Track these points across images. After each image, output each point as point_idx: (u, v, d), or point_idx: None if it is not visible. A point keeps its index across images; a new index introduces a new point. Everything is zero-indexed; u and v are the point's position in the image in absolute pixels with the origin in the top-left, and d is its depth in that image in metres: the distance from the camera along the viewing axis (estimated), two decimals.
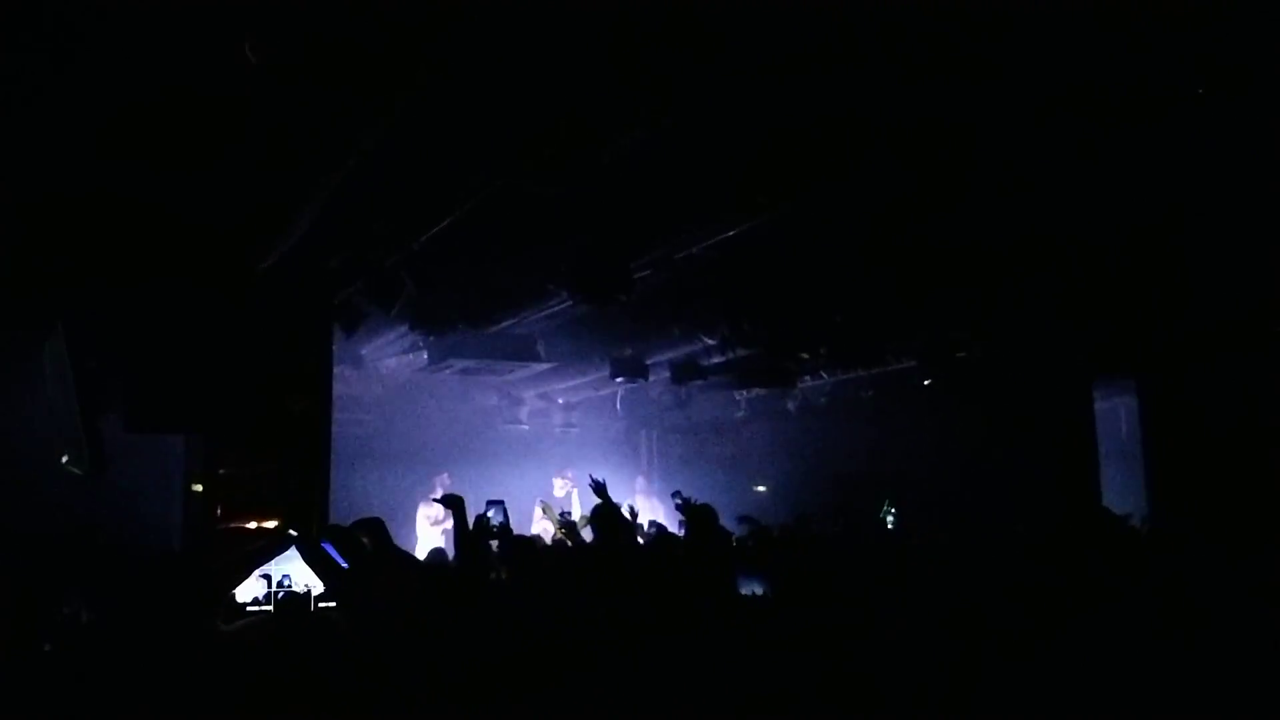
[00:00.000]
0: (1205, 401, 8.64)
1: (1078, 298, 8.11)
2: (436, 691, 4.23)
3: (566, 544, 7.81)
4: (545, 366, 11.65)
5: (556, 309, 8.94)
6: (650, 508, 13.35)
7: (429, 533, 11.55)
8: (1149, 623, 4.60)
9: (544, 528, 11.05)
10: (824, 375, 12.31)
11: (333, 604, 5.76)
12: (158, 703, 3.76)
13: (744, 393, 13.61)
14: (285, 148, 5.39)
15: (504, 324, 9.75)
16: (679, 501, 7.01)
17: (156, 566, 4.90)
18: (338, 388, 8.44)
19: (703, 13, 4.19)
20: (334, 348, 8.45)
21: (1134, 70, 4.59)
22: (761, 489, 14.25)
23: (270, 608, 5.95)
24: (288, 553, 5.97)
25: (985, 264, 7.41)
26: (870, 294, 8.66)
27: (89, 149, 5.43)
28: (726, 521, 7.01)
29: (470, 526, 5.60)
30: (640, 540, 7.75)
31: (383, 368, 12.01)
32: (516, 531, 6.55)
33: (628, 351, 11.44)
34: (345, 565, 5.17)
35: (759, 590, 5.51)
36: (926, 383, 11.75)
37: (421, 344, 10.70)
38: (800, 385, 12.89)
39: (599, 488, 6.75)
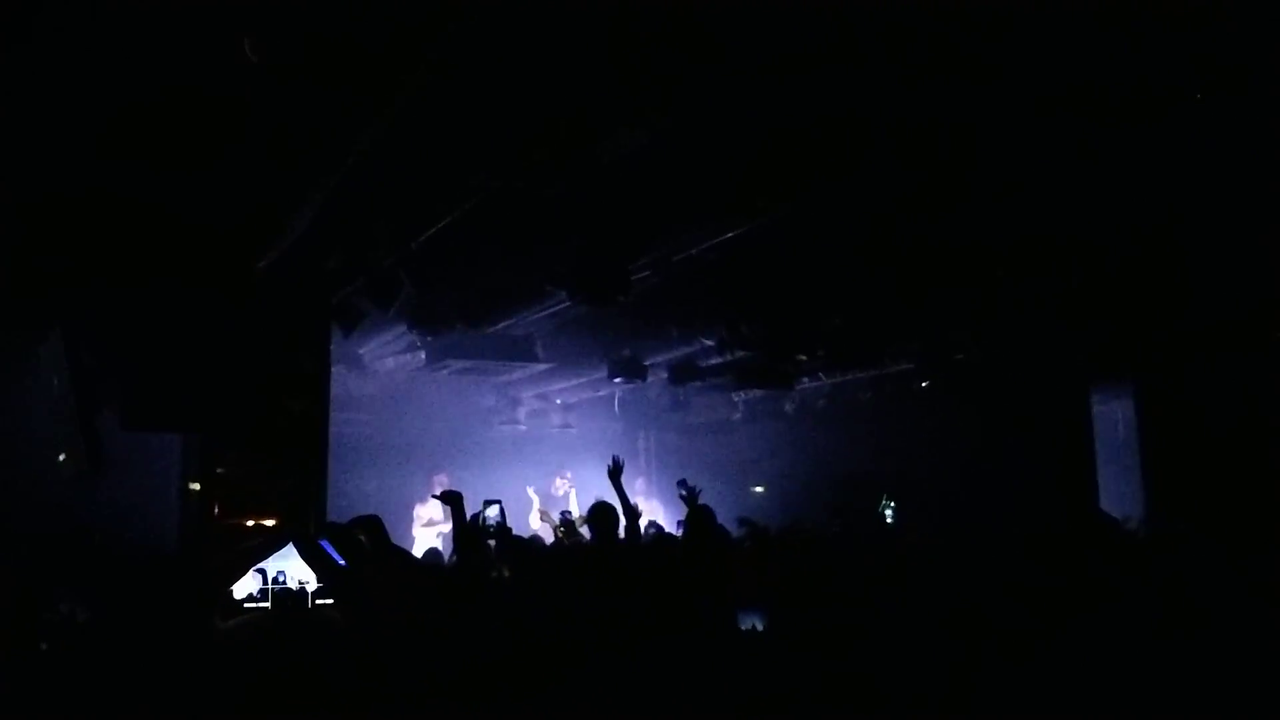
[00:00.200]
0: (1203, 402, 8.64)
1: (1076, 299, 8.11)
2: (434, 689, 4.23)
3: (565, 543, 7.81)
4: (543, 367, 11.65)
5: (555, 309, 8.93)
6: (649, 509, 13.34)
7: (422, 534, 11.52)
8: (1148, 623, 4.60)
9: (542, 527, 11.06)
10: (822, 377, 12.31)
11: (330, 601, 5.77)
12: (156, 699, 3.76)
13: (742, 394, 13.61)
14: (284, 148, 5.39)
15: (502, 324, 9.75)
16: (684, 492, 7.00)
17: (154, 565, 4.90)
18: (336, 387, 8.43)
19: (702, 13, 4.19)
20: (332, 347, 8.44)
21: (1134, 70, 4.59)
22: (759, 490, 14.24)
23: (267, 604, 5.96)
24: (284, 550, 5.98)
25: (984, 265, 7.41)
26: (868, 296, 8.66)
27: (88, 149, 5.42)
28: (724, 523, 7.00)
29: (467, 525, 5.61)
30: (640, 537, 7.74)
31: (381, 368, 11.99)
32: (514, 531, 6.56)
33: (626, 352, 11.43)
34: (343, 563, 5.17)
35: (758, 625, 5.46)
36: (925, 384, 11.75)
37: (419, 344, 10.69)
38: (798, 387, 12.88)
39: (616, 470, 6.77)
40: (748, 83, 4.72)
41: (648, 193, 6.21)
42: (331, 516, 7.59)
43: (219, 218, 6.55)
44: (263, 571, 6.03)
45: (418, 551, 8.97)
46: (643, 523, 10.45)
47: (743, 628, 5.43)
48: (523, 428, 14.57)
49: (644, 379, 11.88)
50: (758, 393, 13.14)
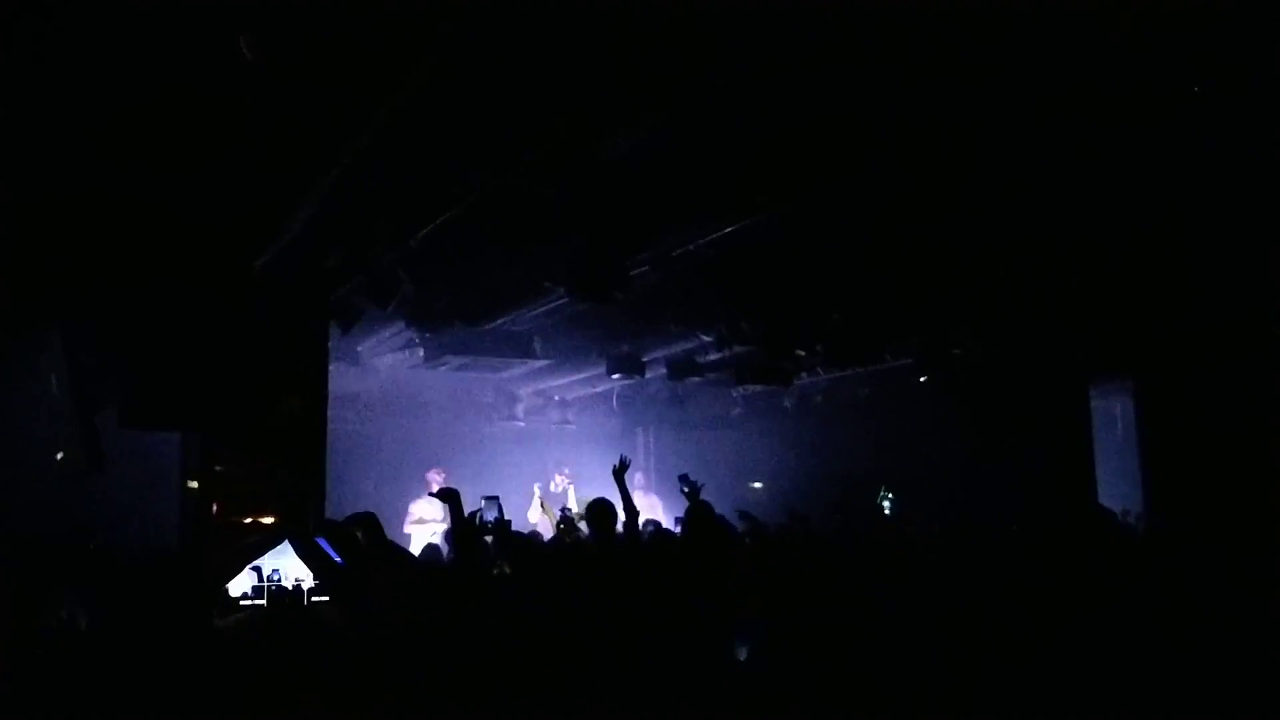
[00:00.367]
0: (1203, 401, 8.64)
1: (1076, 297, 8.11)
2: (431, 687, 4.23)
3: (565, 540, 7.81)
4: (542, 363, 11.64)
5: (553, 306, 8.92)
6: (648, 505, 13.33)
7: (413, 531, 11.46)
8: (1147, 622, 4.60)
9: (542, 521, 11.06)
10: (821, 373, 12.31)
11: (325, 599, 5.77)
12: (154, 698, 3.75)
13: (741, 390, 13.60)
14: (282, 146, 5.38)
15: (500, 321, 9.73)
16: (685, 488, 6.99)
17: (153, 563, 4.90)
18: (334, 385, 8.42)
19: (702, 12, 4.18)
20: (330, 345, 8.43)
21: (1134, 70, 4.59)
22: (758, 486, 14.26)
23: (263, 602, 5.96)
24: (280, 547, 5.98)
25: (984, 264, 7.41)
26: (868, 292, 8.66)
27: (86, 149, 5.41)
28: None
29: (464, 522, 5.60)
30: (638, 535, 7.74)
31: (379, 365, 11.98)
32: (514, 527, 6.56)
33: (624, 348, 11.42)
34: (339, 560, 5.17)
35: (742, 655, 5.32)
36: (924, 380, 11.75)
37: (418, 341, 10.68)
38: (797, 383, 12.88)
39: (621, 468, 6.78)
40: (747, 83, 4.71)
41: (646, 190, 6.20)
42: (330, 513, 7.60)
43: (217, 217, 6.54)
44: (258, 569, 6.04)
45: (413, 549, 8.97)
46: (641, 520, 10.48)
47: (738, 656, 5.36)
48: (521, 424, 14.57)
49: (643, 375, 11.87)
50: (757, 389, 13.13)
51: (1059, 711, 4.09)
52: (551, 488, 12.85)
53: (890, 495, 10.55)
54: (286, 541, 5.90)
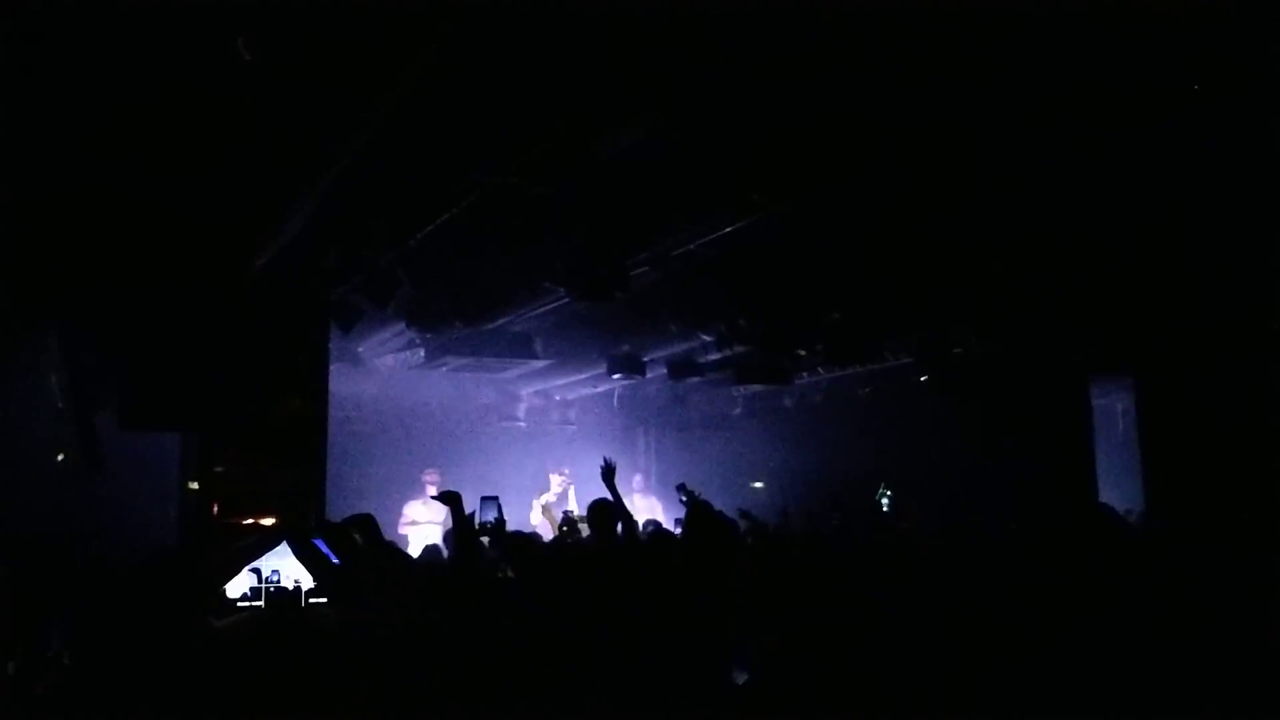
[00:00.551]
0: (1203, 399, 8.63)
1: (1076, 296, 8.10)
2: (430, 688, 4.22)
3: (567, 540, 7.80)
4: (542, 364, 11.63)
5: (553, 306, 8.92)
6: (647, 506, 13.32)
7: (408, 532, 11.41)
8: (1147, 622, 4.59)
9: (543, 523, 11.03)
10: (821, 372, 12.30)
11: (324, 600, 5.76)
12: (150, 700, 3.74)
13: (741, 390, 13.60)
14: (280, 146, 5.37)
15: (501, 321, 9.73)
16: (683, 497, 6.98)
17: (151, 564, 4.89)
18: (334, 386, 8.42)
19: (702, 12, 4.17)
20: (330, 346, 8.43)
21: (1134, 70, 4.58)
22: (759, 485, 14.24)
23: (260, 603, 5.95)
24: (278, 548, 5.97)
25: (984, 263, 7.40)
26: (868, 291, 8.65)
27: (85, 149, 5.41)
28: None
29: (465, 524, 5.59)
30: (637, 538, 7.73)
31: (380, 365, 11.98)
32: (515, 528, 6.54)
33: (625, 348, 11.41)
34: (336, 561, 5.16)
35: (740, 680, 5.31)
36: (924, 379, 11.74)
37: (418, 341, 10.69)
38: (797, 382, 12.88)
39: (608, 471, 6.74)
40: (747, 82, 4.71)
41: (646, 190, 6.20)
42: (330, 515, 7.59)
43: (216, 217, 6.53)
44: (257, 570, 6.03)
45: (410, 551, 8.95)
46: (641, 520, 10.47)
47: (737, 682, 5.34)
48: (522, 424, 14.56)
49: (643, 375, 11.86)
50: (757, 388, 13.12)
51: (1059, 712, 4.08)
52: (552, 488, 12.84)
53: (889, 493, 10.54)
54: (285, 543, 5.89)
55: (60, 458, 7.15)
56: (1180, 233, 6.72)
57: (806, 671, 4.47)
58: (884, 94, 4.80)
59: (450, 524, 5.97)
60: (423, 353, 10.85)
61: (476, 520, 6.06)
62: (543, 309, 9.10)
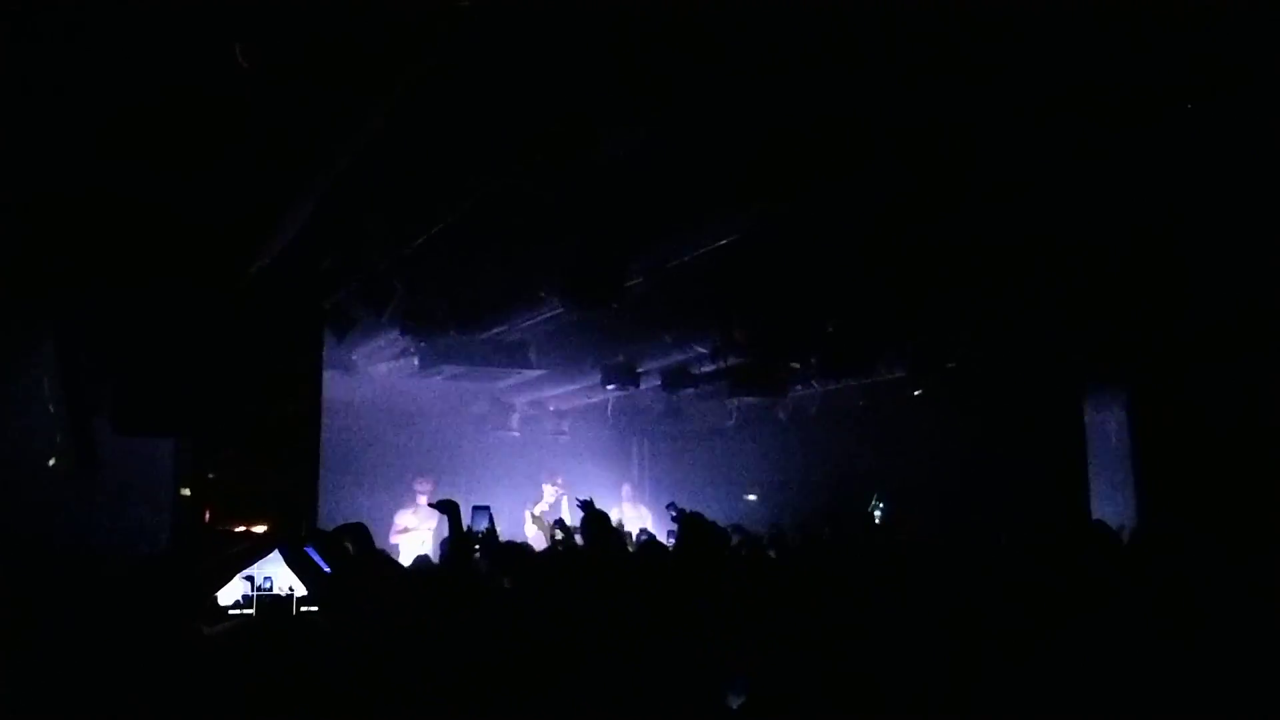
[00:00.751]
0: (1198, 408, 8.64)
1: (1071, 304, 8.10)
2: (422, 695, 4.18)
3: (559, 548, 7.77)
4: (537, 373, 11.61)
5: (548, 315, 8.90)
6: (638, 516, 13.30)
7: (399, 540, 11.36)
8: (1146, 624, 4.57)
9: (536, 535, 10.99)
10: (815, 384, 12.29)
11: (315, 608, 5.72)
12: (140, 707, 3.70)
13: (735, 401, 13.58)
14: (277, 150, 5.35)
15: (496, 330, 9.71)
16: (674, 514, 6.95)
17: (144, 570, 4.84)
18: (328, 392, 8.38)
19: (702, 12, 4.17)
20: (325, 352, 8.40)
21: (1134, 70, 4.58)
22: (752, 498, 14.21)
23: (252, 611, 5.92)
24: (271, 556, 5.92)
25: (979, 269, 7.40)
26: (863, 303, 8.65)
27: (84, 149, 5.39)
28: None
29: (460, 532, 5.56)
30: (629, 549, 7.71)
31: (374, 373, 11.95)
32: (508, 538, 6.51)
33: (619, 358, 11.40)
34: (328, 570, 5.13)
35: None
36: (918, 393, 11.73)
37: (413, 349, 10.65)
38: (792, 394, 12.86)
39: (587, 506, 6.71)
40: (747, 83, 4.70)
41: (643, 196, 6.19)
42: (323, 522, 7.56)
43: (213, 220, 6.51)
44: (249, 578, 5.99)
45: (401, 559, 8.91)
46: (633, 530, 10.45)
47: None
48: (516, 434, 14.52)
49: (637, 386, 11.85)
50: (751, 400, 13.11)
51: (1059, 713, 4.06)
52: (545, 498, 12.82)
53: (881, 504, 10.53)
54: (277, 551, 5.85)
55: (51, 462, 7.10)
56: (1177, 237, 6.73)
57: (798, 676, 4.44)
58: (884, 94, 4.80)
59: (444, 532, 5.95)
60: (417, 361, 10.81)
61: (468, 530, 6.03)
62: (538, 318, 9.08)
